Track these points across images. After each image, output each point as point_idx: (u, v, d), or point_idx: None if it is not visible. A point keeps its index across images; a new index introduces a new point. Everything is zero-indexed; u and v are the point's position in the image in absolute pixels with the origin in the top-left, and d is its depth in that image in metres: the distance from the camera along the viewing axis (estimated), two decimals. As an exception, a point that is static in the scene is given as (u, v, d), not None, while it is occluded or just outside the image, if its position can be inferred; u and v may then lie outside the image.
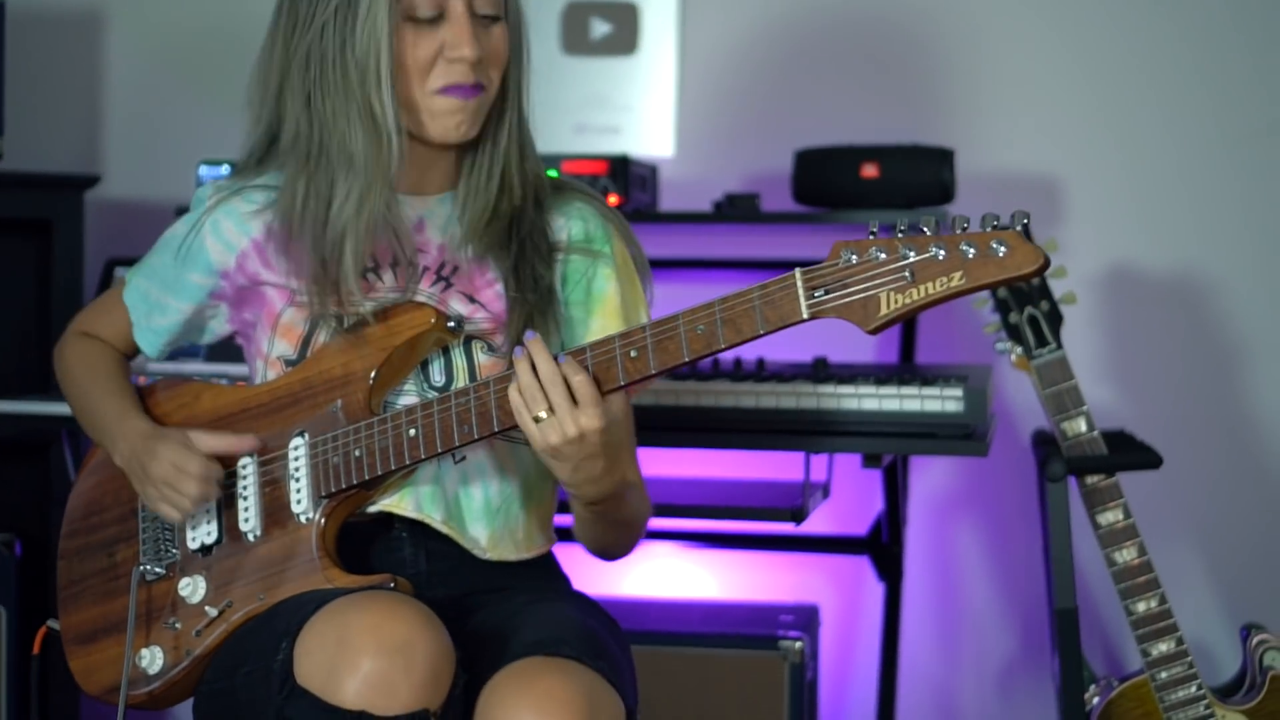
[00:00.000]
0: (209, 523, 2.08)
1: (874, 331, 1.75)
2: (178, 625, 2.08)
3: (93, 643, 2.16)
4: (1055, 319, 2.79)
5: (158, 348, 2.21)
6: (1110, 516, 2.74)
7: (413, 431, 1.97)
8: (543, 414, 1.86)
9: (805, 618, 3.10)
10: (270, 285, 2.10)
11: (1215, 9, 3.36)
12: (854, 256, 1.76)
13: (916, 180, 3.10)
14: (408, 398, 2.06)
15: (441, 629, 1.80)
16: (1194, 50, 3.36)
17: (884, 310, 1.74)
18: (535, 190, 2.12)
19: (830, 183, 3.15)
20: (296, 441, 2.05)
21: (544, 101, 3.36)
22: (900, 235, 1.75)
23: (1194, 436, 3.31)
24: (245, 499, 2.06)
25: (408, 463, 1.98)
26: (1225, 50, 3.35)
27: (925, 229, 1.74)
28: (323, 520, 2.02)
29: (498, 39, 2.04)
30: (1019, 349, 2.79)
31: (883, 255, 1.74)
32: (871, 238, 1.76)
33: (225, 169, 3.27)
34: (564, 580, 2.19)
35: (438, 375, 2.06)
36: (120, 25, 3.75)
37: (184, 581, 2.08)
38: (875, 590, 3.39)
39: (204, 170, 3.30)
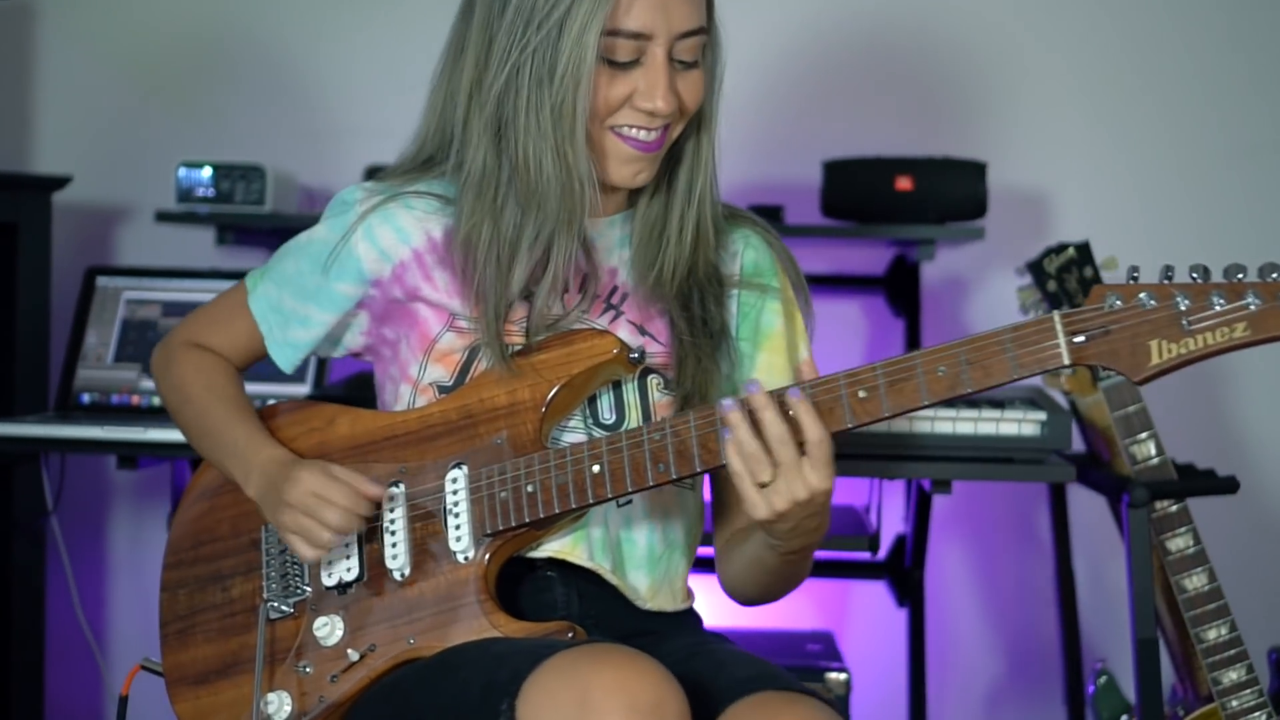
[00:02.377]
0: (349, 558, 1.92)
1: (1142, 382, 1.67)
2: (309, 669, 1.91)
3: (204, 684, 1.98)
4: None
5: (294, 362, 2.03)
6: (1180, 543, 2.70)
7: (596, 468, 1.82)
8: (767, 478, 1.72)
9: (828, 645, 3.02)
10: (425, 304, 1.94)
11: (1219, 25, 3.36)
12: (1118, 301, 1.67)
13: (951, 194, 3.05)
14: (573, 434, 1.92)
15: (680, 686, 1.66)
16: (1208, 63, 3.36)
17: (1155, 360, 1.66)
18: (714, 230, 1.99)
19: (862, 195, 3.07)
20: (454, 474, 1.89)
21: None
22: (1168, 281, 1.66)
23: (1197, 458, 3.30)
24: (392, 534, 1.90)
25: (590, 501, 1.83)
26: (1244, 62, 3.35)
27: (1195, 276, 1.66)
28: (486, 560, 1.87)
29: (692, 86, 1.90)
30: (1068, 370, 2.74)
31: (1153, 302, 1.66)
32: (1134, 282, 1.68)
33: (208, 171, 3.07)
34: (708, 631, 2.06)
35: (607, 412, 1.93)
36: (63, 23, 3.50)
37: (320, 621, 1.91)
38: (883, 613, 3.33)
39: (183, 172, 3.09)
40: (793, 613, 3.33)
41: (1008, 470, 2.61)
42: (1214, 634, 2.70)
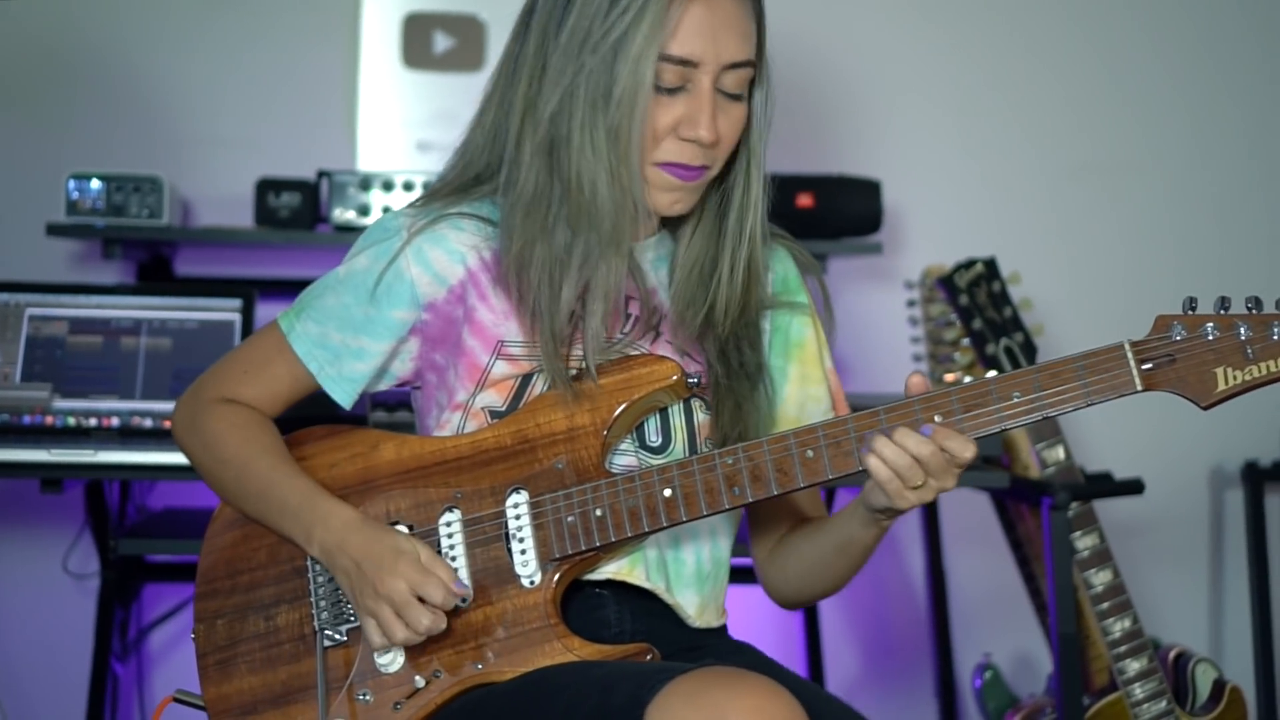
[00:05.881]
0: None
1: (1209, 406, 1.79)
2: (369, 698, 1.91)
3: (252, 714, 1.95)
4: (1030, 350, 2.90)
5: (352, 396, 1.99)
6: (1088, 541, 2.88)
7: (668, 492, 1.87)
8: (920, 483, 1.80)
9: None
10: (476, 329, 1.95)
11: (1083, 49, 3.59)
12: (1183, 330, 1.79)
13: (849, 210, 3.17)
14: (623, 458, 1.95)
15: (805, 712, 1.72)
16: (1112, 80, 3.61)
17: (1221, 386, 1.78)
18: (764, 265, 2.02)
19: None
20: (515, 499, 1.91)
21: (383, 117, 3.27)
22: (1224, 311, 1.79)
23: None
24: (453, 559, 1.91)
25: (664, 524, 1.88)
26: (1108, 83, 3.56)
27: (1250, 307, 1.79)
28: (554, 583, 1.89)
29: (736, 118, 1.93)
30: None
31: (1216, 332, 1.78)
32: (1193, 313, 1.80)
33: (96, 183, 3.00)
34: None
35: (653, 435, 1.97)
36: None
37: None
38: (771, 615, 3.42)
39: (72, 185, 3.01)
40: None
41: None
42: (1118, 627, 2.88)
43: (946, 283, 2.94)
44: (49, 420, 2.80)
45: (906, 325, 3.14)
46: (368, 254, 1.98)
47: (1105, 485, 2.90)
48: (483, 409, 1.95)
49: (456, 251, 1.96)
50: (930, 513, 3.42)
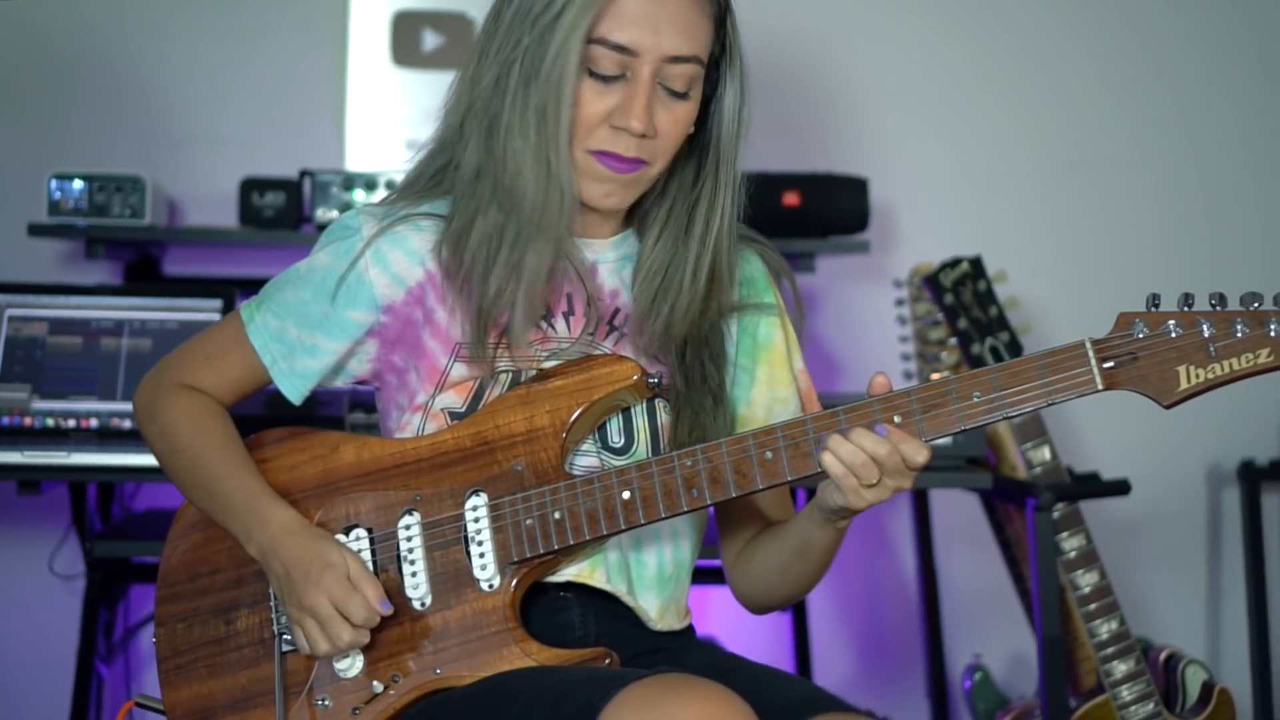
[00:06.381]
0: None
1: (1171, 405, 1.76)
2: (328, 703, 1.89)
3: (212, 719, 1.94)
4: (1016, 349, 2.88)
5: (302, 392, 1.98)
6: (1074, 542, 2.85)
7: (627, 494, 1.85)
8: (875, 480, 1.78)
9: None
10: (435, 331, 1.93)
11: (1070, 47, 3.56)
12: (1145, 329, 1.76)
13: (836, 209, 3.14)
14: (585, 458, 1.94)
15: (756, 716, 1.70)
16: (1098, 77, 3.58)
17: (1183, 385, 1.76)
18: (729, 270, 2.00)
19: (749, 209, 3.12)
20: (474, 501, 1.89)
21: (372, 115, 3.25)
22: (1188, 309, 1.77)
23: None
24: (411, 563, 1.90)
25: (622, 527, 1.86)
26: (1093, 80, 3.54)
27: (1214, 304, 1.76)
28: (512, 587, 1.88)
29: (680, 116, 1.90)
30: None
31: (1179, 330, 1.76)
32: (1155, 310, 1.77)
33: (79, 183, 2.99)
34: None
35: (616, 435, 1.95)
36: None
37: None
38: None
39: (54, 185, 3.00)
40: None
41: (926, 478, 2.71)
42: (1104, 629, 2.85)
43: (931, 281, 2.91)
44: (27, 421, 2.79)
45: (895, 324, 3.12)
46: (328, 251, 1.96)
47: (1091, 486, 2.87)
48: (442, 410, 1.93)
49: (415, 253, 1.94)
50: (921, 512, 3.40)
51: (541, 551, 1.87)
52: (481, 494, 1.89)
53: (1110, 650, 2.85)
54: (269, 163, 3.23)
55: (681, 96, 1.90)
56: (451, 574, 1.89)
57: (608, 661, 1.84)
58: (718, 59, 1.94)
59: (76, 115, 3.36)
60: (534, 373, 1.92)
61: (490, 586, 1.88)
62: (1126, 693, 2.86)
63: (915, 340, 3.03)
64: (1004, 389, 1.78)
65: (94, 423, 2.78)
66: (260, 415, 2.73)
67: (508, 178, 1.88)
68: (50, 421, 2.79)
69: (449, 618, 1.88)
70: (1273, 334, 1.74)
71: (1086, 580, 2.85)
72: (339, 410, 2.75)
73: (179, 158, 3.37)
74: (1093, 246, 3.57)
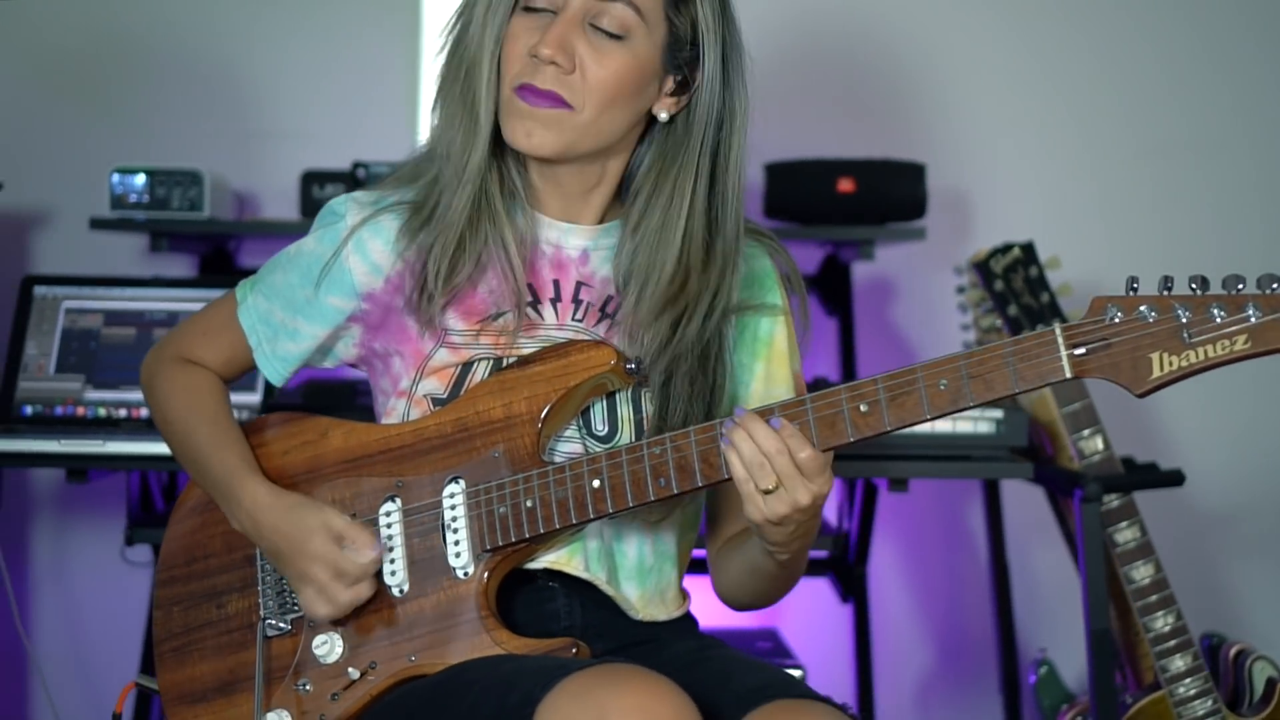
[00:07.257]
0: None
1: (1144, 394, 1.69)
2: (308, 687, 1.91)
3: (202, 703, 1.97)
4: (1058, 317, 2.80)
5: (283, 375, 2.00)
6: (1128, 534, 2.77)
7: (596, 483, 1.83)
8: (771, 486, 1.74)
9: (776, 642, 3.05)
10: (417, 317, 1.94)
11: (1134, 32, 3.46)
12: (1119, 313, 1.70)
13: (892, 195, 3.09)
14: (568, 445, 1.92)
15: (695, 706, 1.68)
16: (1161, 63, 3.47)
17: (1156, 373, 1.69)
18: (722, 276, 1.94)
19: (804, 197, 3.10)
20: (452, 489, 1.89)
21: None
22: (1167, 293, 1.70)
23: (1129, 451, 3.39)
24: (390, 550, 1.90)
25: (591, 517, 1.84)
26: (1158, 67, 3.44)
27: (1194, 287, 1.69)
28: (485, 576, 1.87)
29: (611, 56, 1.85)
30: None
31: (1153, 314, 1.69)
32: (1134, 294, 1.71)
33: (142, 178, 3.03)
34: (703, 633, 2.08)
35: (600, 424, 1.93)
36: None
37: (319, 639, 1.90)
38: (820, 608, 3.37)
39: (117, 179, 3.05)
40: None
41: (966, 468, 2.66)
42: (1161, 623, 2.77)
43: (982, 267, 2.85)
44: (80, 411, 2.85)
45: (957, 312, 3.06)
46: (315, 236, 1.98)
47: (1142, 476, 2.78)
48: (425, 396, 1.93)
49: (393, 243, 1.94)
50: (993, 505, 3.33)
51: (514, 540, 1.86)
52: (460, 481, 1.89)
53: (1167, 645, 2.77)
54: (343, 155, 3.24)
55: (615, 39, 1.86)
56: (429, 561, 1.89)
57: (574, 651, 1.83)
58: (692, 38, 1.90)
59: (156, 109, 3.41)
60: (514, 359, 1.91)
61: (465, 574, 1.87)
62: (1184, 688, 2.77)
63: (976, 328, 2.97)
64: (971, 376, 1.73)
65: (144, 412, 2.83)
66: (299, 404, 2.78)
67: (447, 136, 1.89)
68: (102, 411, 2.85)
69: (425, 605, 1.88)
70: (1252, 320, 1.66)
71: (1141, 573, 2.77)
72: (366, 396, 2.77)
73: (250, 153, 3.41)
74: (1152, 234, 3.45)
